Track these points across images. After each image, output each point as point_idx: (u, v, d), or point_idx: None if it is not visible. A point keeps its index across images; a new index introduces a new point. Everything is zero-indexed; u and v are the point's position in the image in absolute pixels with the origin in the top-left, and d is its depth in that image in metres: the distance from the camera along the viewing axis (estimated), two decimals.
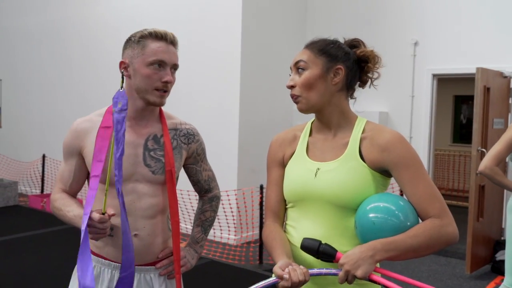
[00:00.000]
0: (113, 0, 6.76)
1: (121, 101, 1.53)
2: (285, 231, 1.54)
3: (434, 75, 5.53)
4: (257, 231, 5.43)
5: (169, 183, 1.63)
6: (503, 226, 5.12)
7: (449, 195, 8.39)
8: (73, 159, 1.67)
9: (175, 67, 1.62)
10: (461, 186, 8.70)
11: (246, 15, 5.48)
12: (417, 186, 1.35)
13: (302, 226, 1.46)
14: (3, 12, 8.39)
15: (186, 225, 5.71)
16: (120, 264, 1.58)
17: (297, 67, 1.45)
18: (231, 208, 5.38)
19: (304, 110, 1.46)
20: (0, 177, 7.92)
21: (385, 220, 1.30)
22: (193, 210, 5.38)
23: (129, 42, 1.60)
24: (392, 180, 1.46)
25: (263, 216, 4.82)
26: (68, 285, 1.71)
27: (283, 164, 1.56)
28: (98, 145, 1.57)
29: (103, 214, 1.45)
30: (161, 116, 1.69)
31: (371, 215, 1.32)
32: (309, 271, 1.30)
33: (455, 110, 9.36)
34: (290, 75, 1.49)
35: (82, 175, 1.69)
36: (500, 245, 4.87)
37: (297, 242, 1.44)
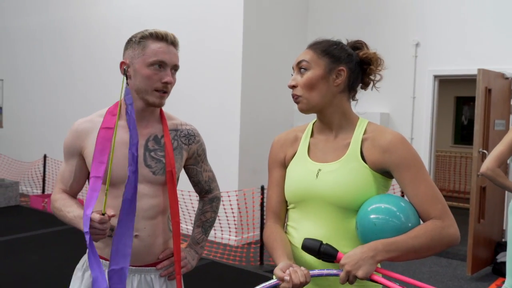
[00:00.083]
0: (115, 0, 6.77)
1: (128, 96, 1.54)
2: (286, 232, 1.53)
3: (435, 76, 5.53)
4: (257, 232, 5.43)
5: (169, 183, 1.63)
6: (504, 228, 5.11)
7: (450, 196, 8.38)
8: (73, 160, 1.67)
9: (175, 68, 1.62)
10: (462, 187, 8.69)
11: (247, 15, 5.48)
12: (419, 187, 1.35)
13: (303, 227, 1.45)
14: (5, 12, 8.40)
15: (187, 226, 5.71)
16: None
17: (300, 67, 1.45)
18: (231, 208, 5.38)
19: (304, 110, 1.46)
20: (1, 177, 7.93)
21: (386, 221, 1.30)
22: (194, 210, 5.38)
23: (130, 42, 1.61)
24: (393, 181, 1.46)
25: (264, 217, 4.82)
26: (68, 285, 1.70)
27: (284, 165, 1.56)
28: (98, 146, 1.57)
29: (103, 214, 1.45)
30: (161, 116, 1.69)
31: (372, 216, 1.32)
32: (310, 272, 1.30)
33: (456, 111, 9.36)
34: (292, 74, 1.49)
35: (83, 175, 1.69)
36: (501, 246, 4.87)
37: (298, 243, 1.44)
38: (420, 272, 4.68)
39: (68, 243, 4.88)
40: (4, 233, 5.44)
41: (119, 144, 1.59)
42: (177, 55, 1.63)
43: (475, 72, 4.68)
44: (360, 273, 1.24)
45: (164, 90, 1.58)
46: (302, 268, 1.29)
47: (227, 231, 5.56)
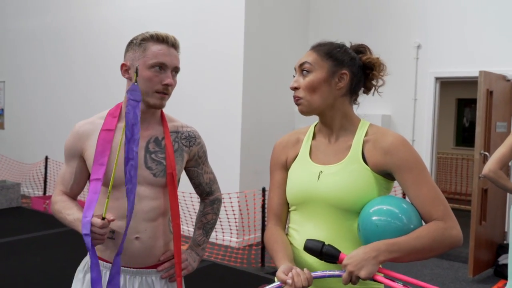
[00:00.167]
0: (116, 2, 6.78)
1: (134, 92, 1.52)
2: (288, 234, 1.53)
3: (437, 78, 5.52)
4: (259, 233, 5.42)
5: (170, 185, 1.63)
6: (506, 230, 5.10)
7: (452, 198, 8.37)
8: (74, 162, 1.67)
9: (176, 70, 1.62)
10: (463, 189, 8.68)
11: (248, 17, 5.48)
12: (421, 189, 1.35)
13: (304, 229, 1.45)
14: (6, 14, 8.42)
15: (188, 228, 5.71)
16: (122, 268, 1.59)
17: (302, 69, 1.44)
18: (233, 210, 5.37)
19: (305, 113, 1.46)
20: (3, 178, 7.94)
21: (388, 223, 1.30)
22: (195, 212, 5.38)
23: (131, 44, 1.61)
24: (395, 182, 1.46)
25: (265, 218, 4.82)
26: (70, 287, 1.71)
27: (286, 167, 1.56)
28: (99, 148, 1.58)
29: (103, 219, 1.46)
30: (162, 118, 1.69)
31: (374, 217, 1.31)
32: (313, 273, 1.30)
33: (458, 113, 9.35)
34: (294, 76, 1.49)
35: (83, 177, 1.70)
36: (503, 248, 4.86)
37: (300, 245, 1.44)
38: (421, 274, 4.67)
39: (70, 244, 4.89)
40: (5, 235, 5.44)
41: (119, 146, 1.59)
42: (178, 57, 1.63)
43: (476, 74, 4.68)
44: (362, 273, 1.24)
45: (164, 92, 1.58)
46: (305, 270, 1.29)
47: (228, 233, 5.55)
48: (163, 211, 1.67)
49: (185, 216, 5.76)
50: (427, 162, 5.52)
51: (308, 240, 1.34)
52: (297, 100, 1.45)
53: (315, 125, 1.56)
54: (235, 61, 5.51)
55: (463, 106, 9.29)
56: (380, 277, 1.27)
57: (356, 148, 1.42)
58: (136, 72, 1.52)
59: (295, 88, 1.45)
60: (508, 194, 5.02)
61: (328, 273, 1.31)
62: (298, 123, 6.03)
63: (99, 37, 6.98)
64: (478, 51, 5.22)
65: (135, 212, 1.59)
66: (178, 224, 1.66)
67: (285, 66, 5.77)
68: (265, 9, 5.75)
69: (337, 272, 1.30)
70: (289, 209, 1.55)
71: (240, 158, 5.51)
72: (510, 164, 2.90)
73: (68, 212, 1.61)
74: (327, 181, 1.41)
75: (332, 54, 1.43)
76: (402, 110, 5.70)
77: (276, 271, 1.35)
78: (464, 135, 9.26)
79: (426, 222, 1.35)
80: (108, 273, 1.63)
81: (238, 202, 5.42)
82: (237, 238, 5.55)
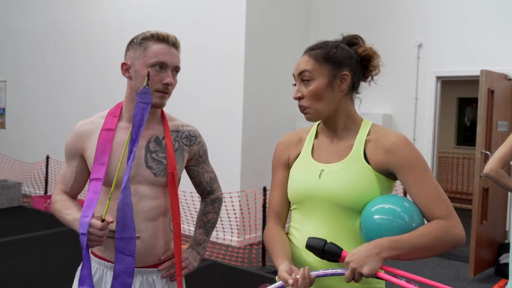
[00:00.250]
0: (117, 2, 6.78)
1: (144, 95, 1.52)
2: (288, 233, 1.54)
3: (438, 77, 5.52)
4: (260, 233, 5.43)
5: (170, 185, 1.63)
6: (507, 229, 5.10)
7: (453, 197, 8.36)
8: (74, 161, 1.67)
9: (176, 69, 1.62)
10: (464, 188, 8.68)
11: (249, 17, 5.48)
12: (423, 188, 1.35)
13: (306, 228, 1.45)
14: (8, 14, 8.43)
15: (189, 227, 5.72)
16: None
17: (302, 78, 1.43)
18: (234, 210, 5.37)
19: (313, 120, 1.46)
20: (4, 178, 7.95)
21: (390, 222, 1.30)
22: (196, 211, 5.38)
23: (131, 44, 1.61)
24: (396, 182, 1.46)
25: (266, 218, 4.81)
26: (71, 287, 1.71)
27: (288, 166, 1.56)
28: (99, 148, 1.58)
29: (103, 221, 1.46)
30: (163, 118, 1.69)
31: (376, 216, 1.31)
32: (315, 272, 1.29)
33: (459, 113, 9.34)
34: (294, 84, 1.48)
35: (83, 177, 1.70)
36: (504, 248, 4.85)
37: (301, 244, 1.44)
38: (422, 273, 4.67)
39: (71, 244, 4.89)
40: (6, 234, 5.45)
41: (120, 145, 1.59)
42: (178, 57, 1.63)
43: (477, 73, 4.67)
44: (365, 270, 1.23)
45: (165, 91, 1.58)
46: (306, 270, 1.28)
47: (229, 232, 5.55)
48: (163, 211, 1.67)
49: (185, 215, 5.77)
50: (428, 161, 5.51)
51: (310, 238, 1.33)
52: (303, 109, 1.44)
53: (318, 124, 1.56)
54: (236, 61, 5.51)
55: (464, 105, 9.28)
56: (383, 274, 1.26)
57: (358, 147, 1.42)
58: (148, 76, 1.52)
59: (298, 98, 1.44)
60: (509, 193, 5.01)
61: (330, 271, 1.30)
62: (299, 123, 6.03)
63: (99, 37, 6.99)
64: (479, 50, 5.22)
65: (135, 212, 1.59)
66: (179, 224, 1.66)
67: (286, 66, 5.77)
68: (266, 8, 5.75)
69: (339, 270, 1.29)
70: (290, 208, 1.55)
71: (241, 157, 5.51)
72: (511, 163, 2.89)
73: (68, 212, 1.61)
74: (328, 180, 1.41)
75: (330, 57, 1.41)
76: (403, 109, 5.70)
77: (276, 270, 1.35)
78: (465, 134, 9.25)
79: (428, 221, 1.35)
80: (109, 272, 1.63)
81: (239, 201, 5.42)
82: (238, 237, 5.55)
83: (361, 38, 1.49)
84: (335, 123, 1.47)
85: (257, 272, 4.62)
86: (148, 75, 1.52)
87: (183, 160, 1.71)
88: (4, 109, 8.58)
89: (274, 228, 1.52)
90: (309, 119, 1.46)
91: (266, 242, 1.50)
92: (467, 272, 4.71)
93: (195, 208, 5.49)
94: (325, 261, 1.34)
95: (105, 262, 1.64)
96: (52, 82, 7.72)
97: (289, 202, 1.56)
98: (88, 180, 1.66)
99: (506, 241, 5.04)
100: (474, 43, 5.25)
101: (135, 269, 1.64)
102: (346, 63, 1.42)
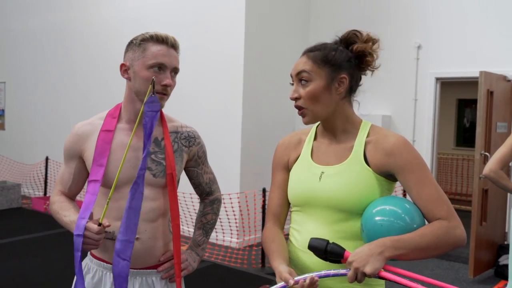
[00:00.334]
0: (116, 2, 6.78)
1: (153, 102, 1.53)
2: (289, 235, 1.54)
3: (437, 79, 5.52)
4: (259, 234, 5.42)
5: (170, 186, 1.63)
6: (506, 230, 5.09)
7: (452, 199, 8.36)
8: (73, 162, 1.67)
9: (175, 70, 1.62)
10: (464, 190, 8.68)
11: (249, 17, 5.48)
12: (423, 189, 1.35)
13: (306, 230, 1.45)
14: (7, 15, 8.43)
15: (188, 228, 5.71)
16: None
17: (300, 78, 1.43)
18: (233, 211, 5.37)
19: (310, 122, 1.46)
20: (3, 179, 7.94)
21: (391, 223, 1.30)
22: (195, 212, 5.37)
23: (130, 45, 1.61)
24: (396, 183, 1.45)
25: (265, 219, 4.81)
26: (71, 287, 1.70)
27: (287, 168, 1.56)
28: (98, 149, 1.58)
29: (99, 225, 1.46)
30: (162, 119, 1.69)
31: (377, 218, 1.31)
32: (318, 273, 1.29)
33: (458, 114, 9.35)
34: (291, 83, 1.47)
35: (82, 178, 1.70)
36: (504, 249, 4.85)
37: (301, 245, 1.44)
38: (422, 275, 4.65)
39: (70, 245, 4.87)
40: (6, 235, 5.45)
41: (119, 147, 1.59)
42: (177, 58, 1.62)
43: (477, 74, 4.68)
44: (368, 269, 1.22)
45: (163, 92, 1.58)
46: (308, 281, 1.28)
47: (228, 233, 5.55)
48: (163, 212, 1.67)
49: (185, 217, 5.76)
50: (428, 162, 5.51)
51: (312, 239, 1.33)
52: (301, 111, 1.44)
53: (317, 126, 1.55)
54: (235, 61, 5.51)
55: (463, 106, 9.29)
56: (385, 273, 1.25)
57: (358, 149, 1.42)
58: (153, 84, 1.51)
59: (295, 98, 1.44)
60: (508, 194, 5.01)
61: (333, 272, 1.29)
62: (298, 124, 6.03)
63: (99, 37, 6.99)
64: (478, 52, 5.22)
65: None
66: (178, 225, 1.66)
67: (285, 66, 5.77)
68: (265, 9, 5.75)
69: (342, 271, 1.28)
70: (290, 210, 1.55)
71: (240, 158, 5.50)
72: (510, 164, 2.89)
73: (65, 213, 1.61)
74: (328, 182, 1.41)
75: (328, 59, 1.41)
76: (403, 110, 5.70)
77: None
78: (465, 136, 9.26)
79: (429, 222, 1.35)
80: (108, 274, 1.63)
81: (239, 202, 5.42)
82: (237, 238, 5.55)
83: (359, 32, 1.46)
84: (334, 125, 1.46)
85: (256, 273, 4.61)
86: (153, 83, 1.51)
87: (182, 161, 1.70)
88: (3, 110, 8.57)
89: (273, 229, 1.53)
90: (306, 123, 1.46)
91: (264, 243, 1.50)
92: (467, 273, 4.70)
93: (194, 209, 5.49)
94: (324, 262, 1.34)
95: (105, 264, 1.64)
96: (51, 83, 7.71)
97: (288, 204, 1.56)
98: (87, 181, 1.66)
99: (505, 243, 5.04)
100: (473, 44, 5.26)
101: (135, 270, 1.64)
102: (344, 66, 1.42)
